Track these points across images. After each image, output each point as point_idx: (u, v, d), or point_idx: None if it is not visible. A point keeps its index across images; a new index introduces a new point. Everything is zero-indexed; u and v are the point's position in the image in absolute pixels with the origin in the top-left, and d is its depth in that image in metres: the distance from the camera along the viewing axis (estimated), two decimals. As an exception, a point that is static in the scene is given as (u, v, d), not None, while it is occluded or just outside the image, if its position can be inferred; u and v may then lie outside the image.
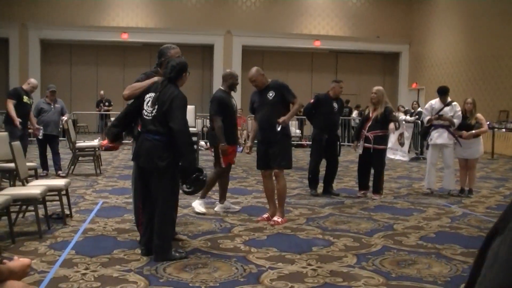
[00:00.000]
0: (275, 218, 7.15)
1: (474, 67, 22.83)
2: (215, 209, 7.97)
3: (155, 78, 5.60)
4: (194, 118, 12.32)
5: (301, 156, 16.62)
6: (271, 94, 7.20)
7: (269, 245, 6.01)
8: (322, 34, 27.67)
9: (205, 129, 20.57)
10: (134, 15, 26.28)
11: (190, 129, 11.37)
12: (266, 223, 7.08)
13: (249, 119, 18.72)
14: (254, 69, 7.39)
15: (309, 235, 6.54)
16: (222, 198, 7.99)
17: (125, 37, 25.80)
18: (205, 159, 15.28)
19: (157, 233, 5.34)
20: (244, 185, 10.44)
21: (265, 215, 7.35)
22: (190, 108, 11.72)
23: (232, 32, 26.70)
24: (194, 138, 11.84)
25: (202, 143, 19.25)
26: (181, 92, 5.39)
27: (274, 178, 7.35)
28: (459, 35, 24.38)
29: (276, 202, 7.33)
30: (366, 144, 9.33)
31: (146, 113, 5.43)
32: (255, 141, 7.79)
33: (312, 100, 9.85)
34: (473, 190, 10.00)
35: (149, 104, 5.39)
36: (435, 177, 10.14)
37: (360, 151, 9.50)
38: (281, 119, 7.02)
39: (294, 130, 20.97)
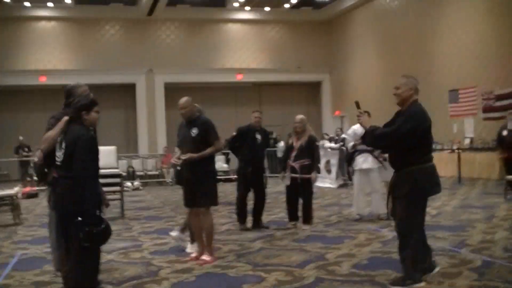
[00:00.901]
0: (204, 257, 6.89)
1: (392, 91, 23.36)
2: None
3: (66, 118, 5.27)
4: (116, 159, 11.94)
5: (230, 191, 16.37)
6: (194, 131, 6.97)
7: (198, 286, 5.77)
8: (244, 68, 27.79)
9: (130, 169, 20.13)
10: (52, 57, 25.67)
11: (111, 170, 11.09)
12: (195, 263, 6.81)
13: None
14: (186, 98, 7.15)
15: (240, 272, 6.31)
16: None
17: (43, 80, 25.08)
18: (130, 200, 14.87)
19: (75, 282, 4.99)
20: (172, 224, 10.10)
21: (194, 255, 7.08)
22: (111, 149, 11.43)
23: (154, 70, 26.45)
24: (117, 180, 11.52)
25: (128, 184, 18.82)
26: (88, 132, 5.05)
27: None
28: (376, 60, 25.04)
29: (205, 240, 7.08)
30: (293, 175, 9.24)
31: (57, 159, 5.12)
32: None
33: (234, 133, 9.71)
34: (401, 213, 10.01)
35: (57, 148, 5.09)
36: (363, 202, 10.12)
37: (287, 182, 9.38)
38: (185, 156, 6.82)
39: (221, 164, 20.81)
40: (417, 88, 5.56)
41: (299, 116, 9.52)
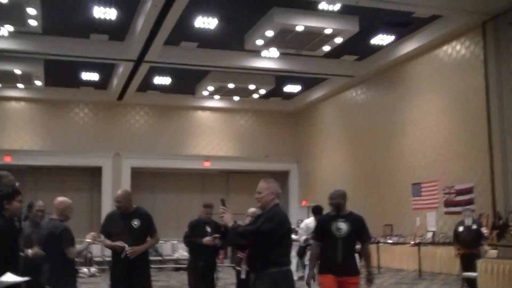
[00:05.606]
0: None
1: (358, 183, 23.56)
2: None
3: None
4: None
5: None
6: (136, 223, 6.97)
7: None
8: (212, 155, 27.91)
9: (88, 255, 19.64)
10: (18, 137, 25.53)
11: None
12: None
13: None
14: (123, 190, 7.21)
15: None
16: None
17: (8, 160, 24.82)
18: (85, 288, 14.46)
19: None
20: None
21: None
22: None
23: (121, 154, 26.42)
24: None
25: (84, 270, 18.41)
26: (5, 222, 5.02)
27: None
28: (343, 152, 25.36)
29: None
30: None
31: None
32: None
33: (187, 230, 9.59)
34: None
35: None
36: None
37: (243, 276, 9.20)
38: (131, 249, 6.86)
39: (182, 252, 20.46)
40: (278, 193, 5.74)
41: (252, 210, 9.52)
